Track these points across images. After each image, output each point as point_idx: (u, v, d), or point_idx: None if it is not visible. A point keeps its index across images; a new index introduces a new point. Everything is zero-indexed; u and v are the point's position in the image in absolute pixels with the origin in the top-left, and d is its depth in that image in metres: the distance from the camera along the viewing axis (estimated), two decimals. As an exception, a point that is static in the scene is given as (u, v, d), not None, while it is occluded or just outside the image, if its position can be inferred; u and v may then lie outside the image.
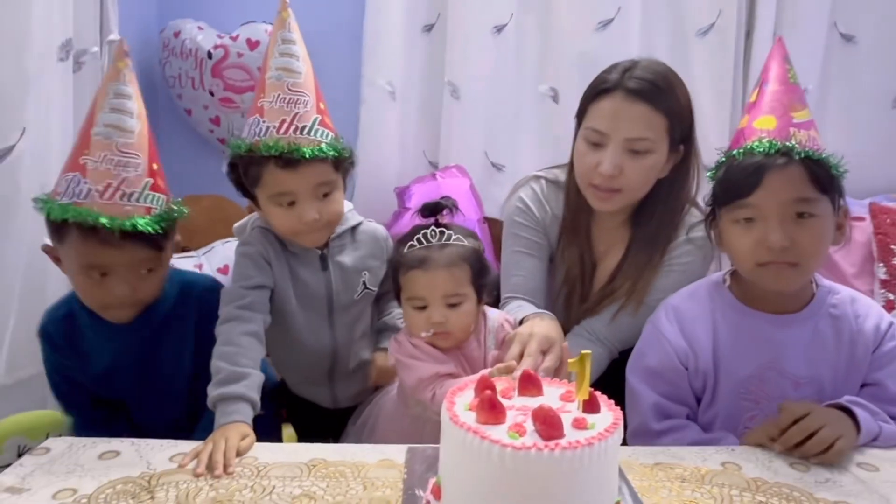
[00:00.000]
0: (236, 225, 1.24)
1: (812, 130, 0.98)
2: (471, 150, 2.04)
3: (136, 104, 0.98)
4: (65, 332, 1.08)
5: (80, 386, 1.11)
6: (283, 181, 1.04)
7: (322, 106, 1.08)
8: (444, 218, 1.06)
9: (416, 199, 1.87)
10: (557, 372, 0.97)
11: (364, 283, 1.18)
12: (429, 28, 2.04)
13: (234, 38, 1.91)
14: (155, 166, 0.99)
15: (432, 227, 1.05)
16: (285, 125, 1.02)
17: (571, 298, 1.26)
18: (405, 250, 1.04)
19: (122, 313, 1.04)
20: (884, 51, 2.03)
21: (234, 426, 0.89)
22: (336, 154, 1.06)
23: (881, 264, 1.79)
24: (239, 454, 0.86)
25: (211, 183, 2.01)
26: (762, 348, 1.01)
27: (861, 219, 1.90)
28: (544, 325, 1.05)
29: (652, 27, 2.00)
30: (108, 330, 1.06)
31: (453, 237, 1.03)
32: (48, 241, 1.04)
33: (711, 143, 1.12)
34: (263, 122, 1.03)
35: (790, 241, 0.92)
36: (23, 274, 1.37)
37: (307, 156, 1.02)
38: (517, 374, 0.86)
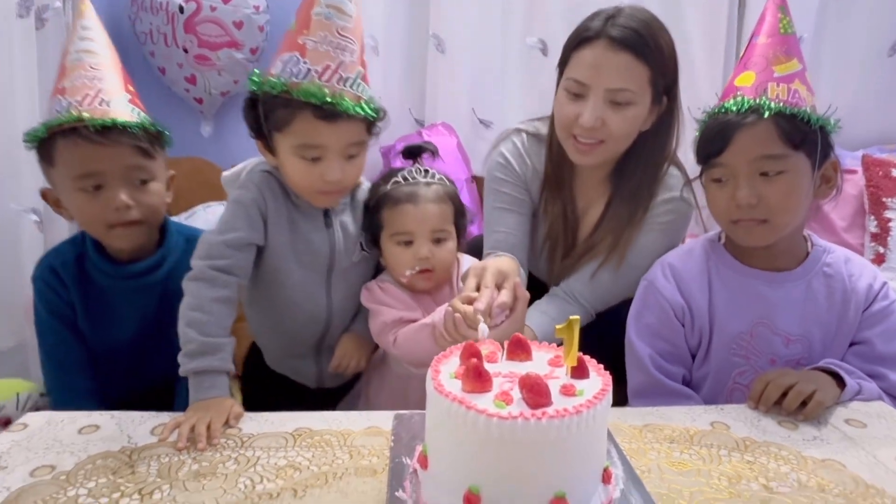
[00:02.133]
0: (227, 173, 1.12)
1: (795, 83, 0.96)
2: (457, 106, 1.99)
3: None
4: (75, 274, 1.07)
5: (76, 335, 1.09)
6: (316, 133, 0.95)
7: (364, 58, 1.00)
8: (425, 161, 1.10)
9: (402, 158, 1.82)
10: (512, 308, 0.96)
11: (361, 244, 1.12)
12: (412, -23, 1.95)
13: (206, -9, 1.81)
14: (131, 87, 1.05)
15: (416, 166, 1.08)
16: (329, 72, 0.93)
17: (554, 253, 1.24)
18: (389, 187, 1.06)
19: (125, 234, 1.03)
20: (881, -3, 1.97)
21: (216, 401, 0.87)
22: (375, 115, 0.99)
23: (872, 217, 1.78)
24: (229, 425, 0.84)
25: (189, 145, 1.95)
26: (755, 305, 1.00)
27: (853, 171, 1.88)
28: (498, 261, 1.05)
29: (644, -27, 1.92)
30: (116, 274, 1.08)
31: (437, 176, 1.08)
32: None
33: (703, 100, 1.07)
34: (304, 62, 0.93)
35: (757, 199, 0.93)
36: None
37: (350, 111, 0.94)
38: (479, 305, 0.91)
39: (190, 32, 1.82)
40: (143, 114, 1.05)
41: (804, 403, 0.87)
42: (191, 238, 1.12)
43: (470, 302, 0.92)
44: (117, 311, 1.10)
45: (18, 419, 0.87)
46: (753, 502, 0.69)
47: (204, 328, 0.92)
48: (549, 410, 0.62)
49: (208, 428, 0.82)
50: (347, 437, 0.82)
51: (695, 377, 1.08)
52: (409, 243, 1.05)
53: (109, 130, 0.98)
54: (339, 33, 0.94)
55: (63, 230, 1.51)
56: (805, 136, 0.94)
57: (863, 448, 0.80)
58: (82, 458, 0.76)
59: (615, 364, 1.09)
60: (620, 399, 0.73)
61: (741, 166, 0.94)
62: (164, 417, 0.86)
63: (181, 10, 1.80)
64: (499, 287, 0.97)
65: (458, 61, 1.95)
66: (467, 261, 1.14)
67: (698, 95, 1.91)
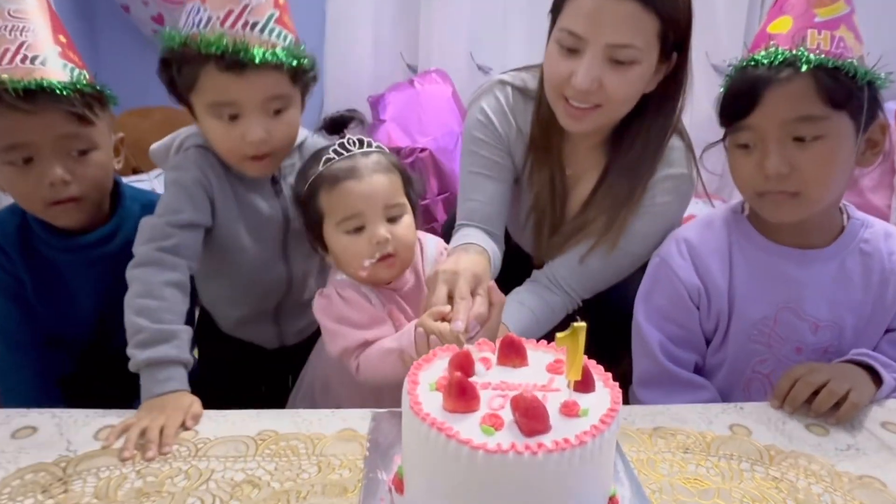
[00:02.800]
0: (155, 146, 1.00)
1: (841, 28, 0.82)
2: (453, 50, 1.83)
3: None
4: (19, 246, 0.95)
5: (24, 311, 0.97)
6: (224, 88, 0.85)
7: (281, 0, 0.88)
8: (352, 131, 0.94)
9: (393, 109, 1.67)
10: (486, 317, 0.82)
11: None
12: None
13: (170, -84, 1.61)
14: (63, 37, 0.91)
15: (347, 137, 0.91)
16: (232, 17, 0.83)
17: (541, 227, 1.09)
18: (322, 167, 0.88)
19: (65, 213, 0.92)
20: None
21: (173, 396, 0.77)
22: (295, 62, 0.88)
23: (903, 177, 1.64)
24: (186, 427, 0.74)
25: (160, 93, 1.78)
26: (781, 287, 0.89)
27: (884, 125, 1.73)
28: (470, 261, 0.88)
29: None
30: (65, 247, 0.96)
31: (374, 144, 0.92)
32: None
33: (725, 50, 0.92)
34: (205, 9, 0.84)
35: (789, 168, 0.80)
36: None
37: (257, 59, 0.83)
38: (459, 325, 0.76)
39: (153, -34, 1.64)
40: (77, 70, 0.90)
41: (837, 405, 0.77)
42: (147, 204, 0.99)
43: (442, 317, 0.78)
44: (71, 285, 0.99)
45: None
46: (782, 534, 0.60)
47: (155, 315, 0.82)
48: (547, 440, 0.52)
49: (161, 432, 0.72)
50: (317, 442, 0.73)
51: (709, 364, 0.97)
52: (359, 229, 0.87)
53: (36, 94, 0.84)
54: None
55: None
56: (850, 93, 0.80)
57: (904, 461, 0.70)
58: (10, 470, 0.67)
59: (616, 340, 1.01)
60: (620, 382, 0.62)
61: (772, 130, 0.81)
62: (112, 417, 0.76)
63: (142, -62, 1.60)
64: (473, 293, 0.81)
65: (454, 0, 1.77)
66: (431, 242, 1.00)
67: (719, 43, 1.74)
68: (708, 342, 0.97)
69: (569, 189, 1.08)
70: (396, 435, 0.72)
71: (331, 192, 0.87)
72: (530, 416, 0.53)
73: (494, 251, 1.02)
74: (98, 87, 0.92)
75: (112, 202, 1.00)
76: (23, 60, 0.84)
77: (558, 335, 0.56)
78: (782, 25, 0.84)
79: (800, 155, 0.81)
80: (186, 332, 0.84)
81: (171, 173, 0.94)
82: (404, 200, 0.91)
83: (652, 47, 0.91)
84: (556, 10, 0.95)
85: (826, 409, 0.77)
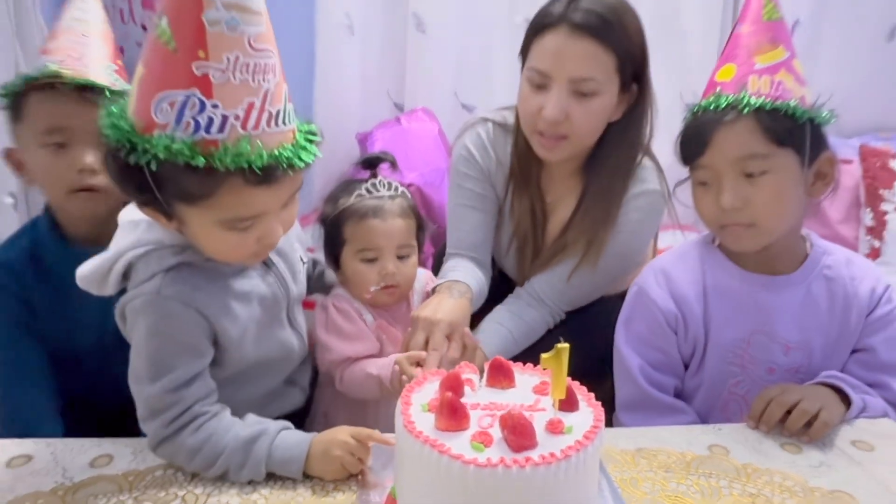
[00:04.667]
0: (84, 271, 0.79)
1: (780, 73, 0.88)
2: (439, 89, 1.90)
3: None
4: (30, 266, 0.97)
5: (32, 340, 0.98)
6: (251, 202, 0.70)
7: (281, 65, 0.70)
8: (384, 172, 1.04)
9: (380, 146, 1.72)
10: (458, 361, 0.89)
11: (301, 257, 0.95)
12: (390, -49, 1.83)
13: (167, -37, 1.68)
14: (120, 62, 0.99)
15: (380, 178, 1.02)
16: (254, 113, 0.66)
17: (524, 251, 1.16)
18: (353, 200, 0.99)
19: (86, 202, 0.94)
20: (882, -23, 1.90)
21: (320, 444, 0.73)
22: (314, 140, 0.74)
23: (868, 210, 1.73)
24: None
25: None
26: (753, 312, 0.94)
27: (849, 161, 1.82)
28: (448, 309, 0.98)
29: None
30: (75, 260, 0.91)
31: (399, 189, 1.03)
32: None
33: (698, 91, 1.00)
34: (215, 105, 0.64)
35: (742, 202, 0.86)
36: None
37: (297, 165, 0.69)
38: (428, 367, 0.87)
39: (148, 9, 1.70)
40: (125, 84, 0.97)
41: (808, 423, 0.81)
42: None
43: (417, 362, 0.90)
44: (78, 303, 0.96)
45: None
46: (759, 546, 0.62)
47: (226, 458, 0.72)
48: (534, 455, 0.55)
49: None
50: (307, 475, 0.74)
51: (687, 387, 1.01)
52: (373, 260, 1.00)
53: (86, 90, 0.92)
54: (253, 46, 0.64)
55: (14, 221, 1.40)
56: (790, 131, 0.86)
57: (872, 476, 0.74)
58: (8, 499, 0.68)
59: (598, 367, 1.05)
60: (603, 400, 0.66)
61: (724, 168, 0.87)
62: (107, 446, 0.77)
63: (139, -16, 1.67)
64: (449, 338, 0.93)
65: (439, 41, 1.86)
66: (420, 273, 1.11)
67: (692, 84, 1.84)
68: (686, 366, 1.01)
69: (548, 214, 1.15)
70: (386, 461, 0.75)
71: (357, 224, 0.99)
72: (518, 433, 0.56)
73: (480, 281, 1.11)
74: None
75: None
76: (79, 63, 0.93)
77: (543, 356, 0.60)
78: (727, 73, 0.91)
79: (751, 189, 0.86)
80: (252, 421, 0.77)
81: (149, 323, 0.74)
82: (414, 242, 1.03)
83: (611, 79, 1.01)
84: (524, 52, 1.06)
85: (798, 427, 0.81)
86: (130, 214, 0.79)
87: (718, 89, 0.89)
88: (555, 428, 0.59)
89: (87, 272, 0.78)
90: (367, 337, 1.00)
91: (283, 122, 0.68)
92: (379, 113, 1.90)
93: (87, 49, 0.97)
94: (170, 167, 0.64)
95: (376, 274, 0.99)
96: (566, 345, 0.59)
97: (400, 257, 1.01)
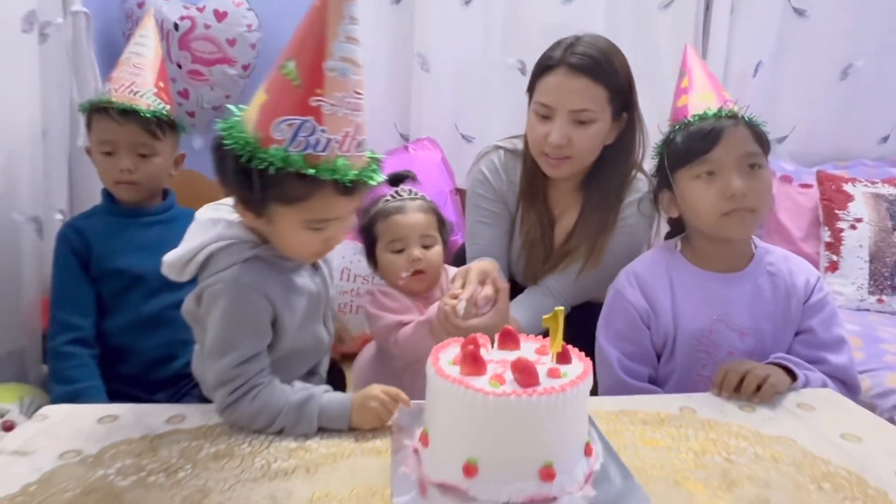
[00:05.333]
0: (170, 258, 0.91)
1: (739, 105, 1.11)
2: (441, 122, 2.08)
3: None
4: (93, 224, 1.31)
5: (88, 282, 1.28)
6: (335, 208, 0.85)
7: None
8: (408, 185, 1.25)
9: (388, 171, 1.90)
10: (495, 301, 1.09)
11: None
12: (397, 0, 2.05)
13: (201, 10, 1.89)
14: (162, 83, 1.32)
15: (402, 187, 1.23)
16: (348, 140, 0.81)
17: (533, 256, 1.36)
18: (380, 205, 1.20)
19: (126, 191, 1.30)
20: (834, 25, 2.13)
21: (359, 400, 0.88)
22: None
23: (826, 228, 1.92)
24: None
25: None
26: (713, 304, 1.11)
27: (809, 186, 2.03)
28: (480, 262, 1.18)
29: (616, 1, 2.05)
30: (127, 215, 1.32)
31: (419, 194, 1.24)
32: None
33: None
34: (323, 131, 0.79)
35: (749, 189, 1.04)
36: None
37: (372, 182, 0.85)
38: (462, 297, 1.04)
39: (184, 49, 1.89)
40: (161, 104, 1.30)
41: (759, 387, 0.97)
42: (187, 212, 1.28)
43: (454, 297, 1.06)
44: (133, 243, 1.30)
45: (35, 414, 0.92)
46: (716, 472, 0.78)
47: (278, 412, 0.86)
48: (538, 389, 0.71)
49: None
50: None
51: (662, 373, 1.17)
52: (401, 251, 1.18)
53: (128, 113, 1.25)
54: (355, 91, 0.81)
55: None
56: (767, 142, 1.09)
57: (812, 427, 0.90)
58: (106, 444, 0.82)
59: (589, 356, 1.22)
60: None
61: (731, 161, 1.04)
62: (180, 408, 0.92)
63: (176, 27, 1.87)
64: (482, 283, 1.10)
65: (441, 79, 2.05)
66: (452, 270, 1.27)
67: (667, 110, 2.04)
68: (659, 357, 1.16)
69: (554, 225, 1.36)
70: (416, 418, 0.90)
71: (384, 221, 1.19)
72: (526, 373, 0.72)
73: (502, 270, 1.31)
74: (170, 117, 1.30)
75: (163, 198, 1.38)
76: (129, 92, 1.27)
77: (544, 317, 0.77)
78: (707, 98, 1.12)
79: (752, 180, 1.05)
80: (299, 387, 0.89)
81: (226, 304, 0.86)
82: (436, 234, 1.22)
83: (605, 109, 1.23)
84: (531, 90, 1.28)
85: (752, 389, 0.97)
86: (208, 213, 0.94)
87: (709, 106, 1.08)
88: (553, 373, 0.75)
89: (171, 260, 0.91)
90: (411, 308, 1.18)
91: (364, 150, 0.85)
92: (386, 142, 2.08)
93: (138, 78, 1.28)
94: (280, 174, 0.79)
95: (404, 261, 1.17)
96: (562, 307, 0.77)
97: (424, 246, 1.19)
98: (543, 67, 1.24)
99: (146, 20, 1.35)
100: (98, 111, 1.27)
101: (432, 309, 1.11)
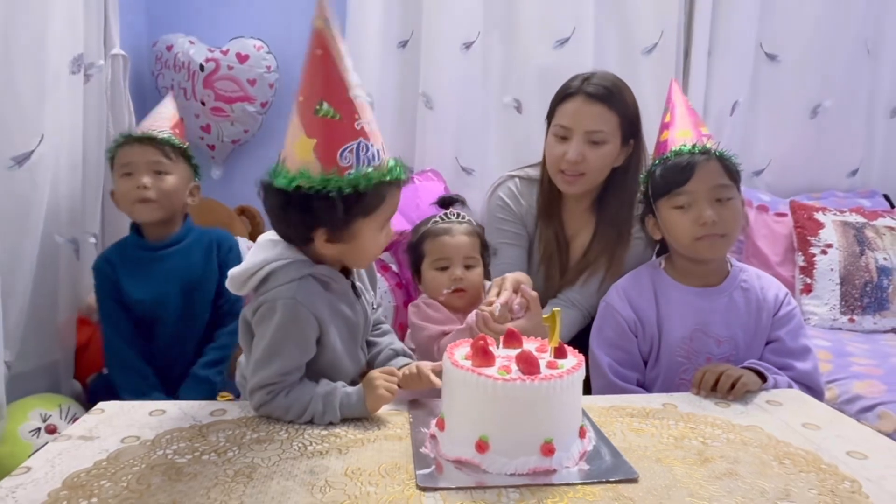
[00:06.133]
0: (234, 272, 1.00)
1: (713, 140, 1.26)
2: (443, 155, 2.23)
3: None
4: (122, 256, 1.50)
5: (126, 308, 1.48)
6: (397, 201, 1.00)
7: None
8: (455, 208, 1.42)
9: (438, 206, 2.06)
10: (527, 307, 1.21)
11: (371, 302, 1.15)
12: (403, 44, 2.23)
13: (225, 52, 2.05)
14: (178, 130, 1.55)
15: (450, 210, 1.39)
16: (384, 149, 0.96)
17: (551, 271, 1.52)
18: (430, 225, 1.36)
19: (144, 210, 1.46)
20: (803, 68, 2.31)
21: (371, 393, 0.98)
22: None
23: (800, 253, 2.07)
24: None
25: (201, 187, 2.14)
26: (692, 315, 1.24)
27: (784, 214, 2.19)
28: (514, 273, 1.29)
29: (604, 45, 2.24)
30: (150, 247, 1.50)
31: (466, 218, 1.39)
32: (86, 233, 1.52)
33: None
34: (372, 145, 0.92)
35: (718, 217, 1.18)
36: (36, 267, 1.49)
37: (406, 179, 1.00)
38: (497, 302, 1.14)
39: (208, 88, 2.05)
40: (171, 135, 1.51)
41: (733, 386, 1.10)
42: (205, 233, 1.57)
43: (490, 304, 1.15)
44: (154, 274, 1.49)
45: (81, 417, 1.03)
46: (693, 452, 0.90)
47: (307, 404, 0.97)
48: (539, 376, 0.84)
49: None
50: (374, 416, 1.01)
51: (648, 378, 1.30)
52: (445, 268, 1.32)
53: (145, 139, 1.48)
54: (370, 109, 0.96)
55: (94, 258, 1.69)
56: (738, 174, 1.23)
57: (778, 417, 1.03)
58: (160, 431, 0.94)
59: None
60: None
61: (703, 193, 1.19)
62: (220, 403, 1.04)
63: (202, 68, 2.03)
64: (516, 291, 1.20)
65: (444, 116, 2.20)
66: (488, 286, 1.38)
67: (652, 146, 2.21)
68: (645, 362, 1.30)
69: (569, 241, 1.53)
70: (429, 411, 1.02)
71: (433, 241, 1.34)
72: (528, 363, 0.85)
73: None
74: (181, 145, 1.51)
75: (181, 228, 1.54)
76: (148, 129, 1.50)
77: (543, 316, 0.91)
78: (686, 134, 1.27)
79: (722, 209, 1.19)
80: (324, 383, 1.00)
81: (280, 319, 0.95)
82: (478, 256, 1.35)
83: (615, 133, 1.42)
84: (550, 116, 1.48)
85: (726, 387, 1.09)
86: (269, 236, 1.04)
87: (686, 142, 1.23)
88: (552, 365, 0.88)
89: (236, 273, 1.00)
90: (452, 320, 1.30)
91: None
92: (393, 173, 2.23)
93: (156, 123, 1.52)
94: (354, 191, 0.91)
95: (447, 278, 1.31)
96: (559, 308, 0.90)
97: (467, 266, 1.32)
98: (563, 95, 1.43)
99: (166, 99, 1.62)
100: (121, 145, 1.48)
101: (471, 317, 1.23)
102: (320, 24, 0.89)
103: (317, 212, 0.93)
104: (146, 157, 1.45)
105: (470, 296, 1.34)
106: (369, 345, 1.16)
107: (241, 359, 1.10)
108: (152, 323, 1.49)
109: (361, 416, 0.99)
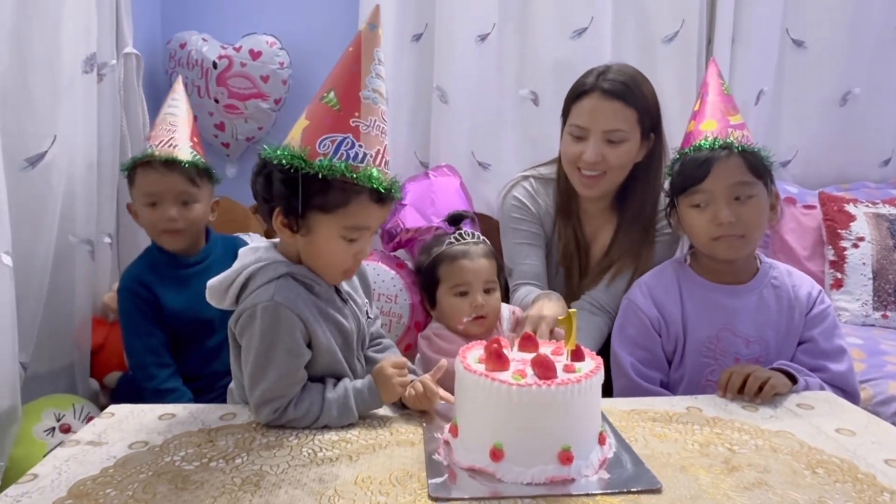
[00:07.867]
0: (213, 283, 0.99)
1: (745, 130, 1.20)
2: (458, 150, 2.19)
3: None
4: (152, 273, 1.41)
5: (153, 321, 1.39)
6: (368, 215, 0.94)
7: None
8: (465, 226, 1.31)
9: (411, 196, 2.01)
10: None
11: (368, 312, 1.11)
12: (417, 37, 2.19)
13: (238, 49, 2.04)
14: (196, 138, 1.44)
15: (464, 230, 1.29)
16: (379, 156, 0.93)
17: (571, 272, 1.46)
18: (444, 247, 1.26)
19: (171, 239, 1.39)
20: (831, 55, 2.22)
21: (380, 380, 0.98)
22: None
23: (830, 247, 1.99)
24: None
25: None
26: (719, 313, 1.19)
27: (812, 207, 2.11)
28: (552, 307, 1.24)
29: (622, 35, 2.18)
30: (178, 264, 1.42)
31: (481, 238, 1.29)
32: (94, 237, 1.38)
33: (676, 142, 1.30)
34: (360, 146, 0.91)
35: (736, 217, 1.12)
36: (51, 269, 1.48)
37: (397, 196, 0.97)
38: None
39: (221, 85, 2.04)
40: (197, 155, 1.40)
41: (761, 388, 1.05)
42: (227, 241, 1.52)
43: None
44: (193, 288, 1.36)
45: (99, 414, 1.02)
46: (719, 460, 0.86)
47: (319, 412, 0.94)
48: (556, 380, 0.80)
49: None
50: (386, 420, 0.98)
51: (672, 379, 1.25)
52: (464, 294, 1.24)
53: (170, 164, 1.36)
54: (382, 116, 0.94)
55: (109, 258, 1.69)
56: (764, 169, 1.16)
57: (809, 422, 0.98)
58: (169, 436, 0.92)
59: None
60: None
61: (720, 191, 1.13)
62: (230, 408, 1.02)
63: (215, 65, 2.02)
64: (552, 332, 1.16)
65: (459, 110, 2.16)
66: (505, 308, 1.34)
67: (672, 139, 2.15)
68: (669, 362, 1.25)
69: (589, 241, 1.47)
70: (441, 416, 0.99)
71: (450, 265, 1.25)
72: (545, 367, 0.82)
73: (544, 289, 1.40)
74: (206, 167, 1.41)
75: (206, 242, 1.47)
76: (168, 146, 1.37)
77: (559, 318, 0.87)
78: (710, 126, 1.20)
79: (742, 208, 1.13)
80: (331, 385, 0.98)
81: (262, 327, 0.92)
82: (496, 280, 1.27)
83: (634, 130, 1.34)
84: (565, 114, 1.41)
85: (754, 389, 1.04)
86: (249, 246, 1.03)
87: (708, 135, 1.16)
88: (569, 369, 0.84)
89: (214, 284, 0.98)
90: None
91: (388, 168, 0.96)
92: (408, 169, 2.20)
93: (175, 134, 1.40)
94: (321, 183, 0.89)
95: (468, 306, 1.23)
96: (575, 310, 0.86)
97: (486, 291, 1.25)
98: (578, 93, 1.36)
99: (176, 85, 1.48)
100: (141, 166, 1.37)
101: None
102: (366, 27, 0.94)
103: (277, 186, 0.92)
104: (174, 187, 1.35)
105: (489, 322, 1.26)
106: (369, 361, 1.11)
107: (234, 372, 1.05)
108: (189, 339, 1.42)
109: (378, 407, 0.99)
